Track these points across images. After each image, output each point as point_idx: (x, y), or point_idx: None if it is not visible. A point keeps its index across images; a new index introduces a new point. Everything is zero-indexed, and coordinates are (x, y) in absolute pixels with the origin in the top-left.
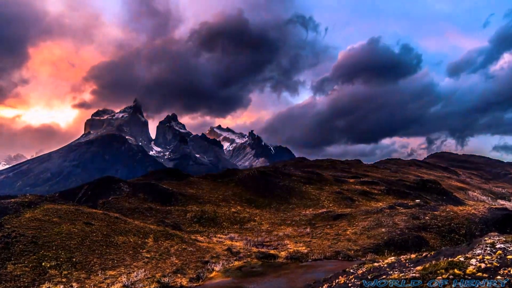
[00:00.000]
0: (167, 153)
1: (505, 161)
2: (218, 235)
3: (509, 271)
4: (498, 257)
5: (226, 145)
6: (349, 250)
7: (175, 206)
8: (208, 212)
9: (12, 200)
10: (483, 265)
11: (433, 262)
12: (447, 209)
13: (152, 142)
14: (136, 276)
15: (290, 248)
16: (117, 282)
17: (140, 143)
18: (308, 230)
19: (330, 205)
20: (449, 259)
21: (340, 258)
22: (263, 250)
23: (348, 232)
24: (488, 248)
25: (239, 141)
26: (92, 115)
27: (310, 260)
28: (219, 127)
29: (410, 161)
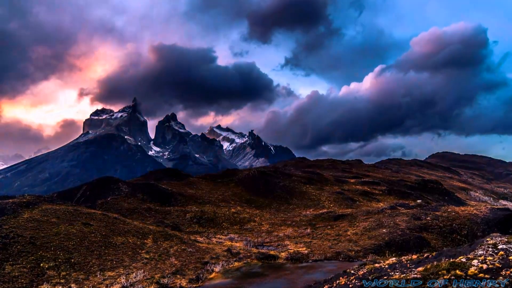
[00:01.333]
0: (167, 153)
1: (507, 161)
2: (218, 236)
3: (511, 272)
4: (500, 257)
5: (226, 145)
6: (349, 251)
7: (175, 206)
8: (208, 212)
9: (10, 200)
10: (485, 266)
11: (435, 263)
12: (448, 210)
13: (152, 142)
14: (135, 277)
15: (291, 249)
16: (116, 283)
17: (139, 143)
18: (308, 230)
19: (331, 205)
20: (451, 260)
21: (340, 259)
22: (263, 250)
23: (349, 233)
24: (490, 249)
25: (239, 141)
26: (91, 115)
27: (310, 261)
28: (218, 127)
29: (411, 161)
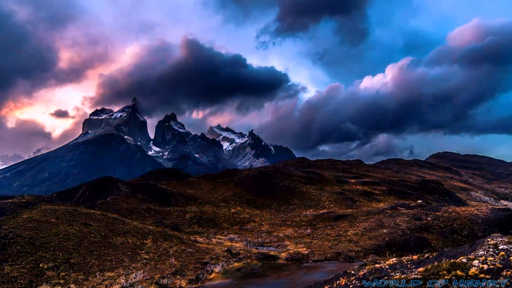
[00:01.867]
0: (166, 153)
1: (508, 161)
2: (218, 236)
3: None
4: (501, 258)
5: (225, 145)
6: (350, 251)
7: (174, 206)
8: (208, 212)
9: (10, 200)
10: (485, 267)
11: (435, 263)
12: (449, 210)
13: (151, 142)
14: (134, 278)
15: (291, 249)
16: (115, 284)
17: (138, 143)
18: (308, 231)
19: (331, 205)
20: (451, 261)
21: (341, 259)
22: (263, 251)
23: (349, 233)
24: (491, 249)
25: (239, 141)
26: (90, 115)
27: (310, 261)
28: (218, 126)
29: (411, 161)
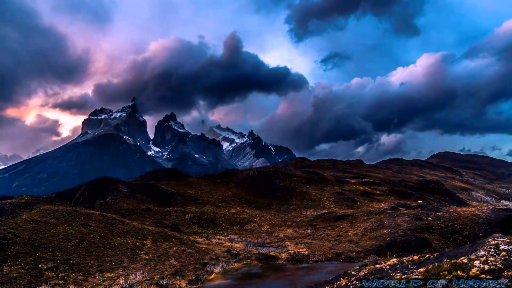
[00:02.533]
0: (166, 153)
1: (509, 161)
2: (218, 237)
3: None
4: (502, 258)
5: (225, 145)
6: (350, 252)
7: (174, 207)
8: (208, 213)
9: (8, 201)
10: (486, 267)
11: (436, 263)
12: (450, 210)
13: (151, 142)
14: (134, 278)
15: (291, 250)
16: (114, 284)
17: (138, 143)
18: (309, 231)
19: (331, 206)
20: (452, 261)
21: (341, 260)
22: (263, 251)
23: (349, 233)
24: (492, 250)
25: (238, 141)
26: (90, 115)
27: (311, 261)
28: (218, 126)
29: (412, 161)
